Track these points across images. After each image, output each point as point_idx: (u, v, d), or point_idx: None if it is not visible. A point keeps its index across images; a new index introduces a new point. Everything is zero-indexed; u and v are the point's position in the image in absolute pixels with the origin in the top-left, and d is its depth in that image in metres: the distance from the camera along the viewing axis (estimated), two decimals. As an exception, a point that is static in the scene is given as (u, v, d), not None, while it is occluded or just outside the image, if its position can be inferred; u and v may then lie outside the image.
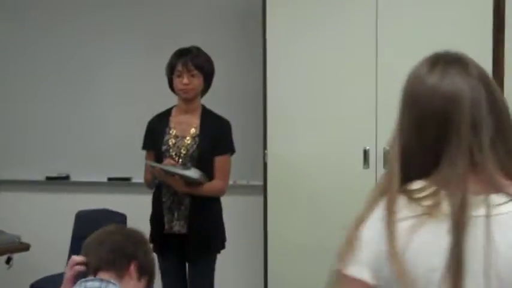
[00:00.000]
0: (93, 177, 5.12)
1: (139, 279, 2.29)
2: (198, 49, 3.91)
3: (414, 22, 4.22)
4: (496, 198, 1.46)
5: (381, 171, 4.28)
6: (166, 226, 3.82)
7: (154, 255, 3.59)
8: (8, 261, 4.25)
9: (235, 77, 4.69)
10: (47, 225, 4.98)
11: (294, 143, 4.37)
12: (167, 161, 3.77)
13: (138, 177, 5.03)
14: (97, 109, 5.14)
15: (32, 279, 4.47)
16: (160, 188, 3.89)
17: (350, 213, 4.32)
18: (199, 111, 3.91)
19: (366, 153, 4.30)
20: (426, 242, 1.45)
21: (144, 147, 4.01)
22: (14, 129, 5.25)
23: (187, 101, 3.89)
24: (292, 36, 4.40)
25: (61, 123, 5.18)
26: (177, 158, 3.81)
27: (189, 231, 3.80)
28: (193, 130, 3.86)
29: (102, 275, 2.24)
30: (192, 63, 3.81)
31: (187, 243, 3.81)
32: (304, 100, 4.40)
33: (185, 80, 3.81)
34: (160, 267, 3.84)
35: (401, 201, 1.49)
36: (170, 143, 3.85)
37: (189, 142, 3.83)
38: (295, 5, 4.40)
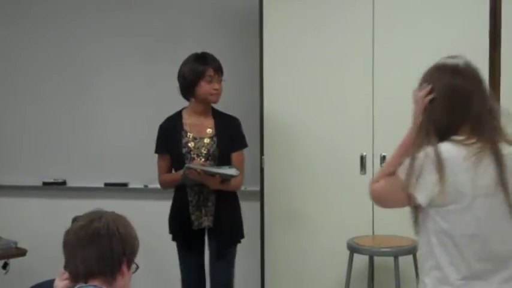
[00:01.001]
0: (90, 182, 5.11)
1: (127, 270, 2.29)
2: (210, 54, 4.08)
3: (411, 28, 4.23)
4: (503, 144, 2.39)
5: (378, 177, 4.28)
6: (195, 223, 4.03)
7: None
8: (5, 266, 4.24)
9: (231, 81, 4.68)
10: (44, 230, 4.97)
11: (291, 148, 4.38)
12: (197, 161, 3.97)
13: (135, 183, 5.05)
14: (94, 114, 5.13)
15: (29, 285, 4.45)
16: (183, 189, 4.04)
17: (346, 219, 4.35)
18: (210, 113, 4.09)
19: (362, 159, 4.30)
20: (484, 169, 2.33)
21: (158, 151, 4.13)
22: (11, 135, 5.25)
23: (207, 104, 4.06)
24: (289, 39, 4.41)
25: (58, 128, 5.18)
26: (198, 158, 3.99)
27: (215, 225, 4.02)
28: (209, 130, 4.04)
29: (93, 281, 2.22)
30: (220, 70, 4.03)
31: (213, 236, 4.05)
32: (301, 105, 4.40)
33: (217, 85, 4.01)
34: (182, 262, 4.16)
35: (458, 146, 2.36)
36: (190, 145, 4.01)
37: (208, 142, 4.02)
38: (292, 7, 4.41)
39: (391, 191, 2.46)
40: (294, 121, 4.40)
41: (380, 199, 2.58)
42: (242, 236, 4.18)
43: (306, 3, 4.40)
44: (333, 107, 4.37)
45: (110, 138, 5.10)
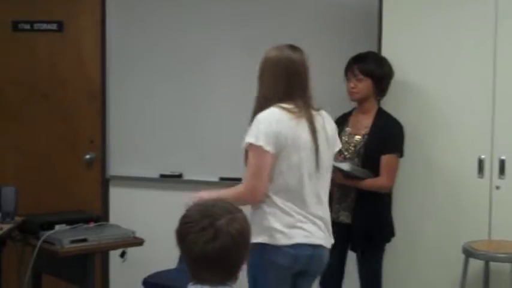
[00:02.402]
0: (205, 176, 5.19)
1: None
2: (368, 55, 4.20)
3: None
4: (313, 111, 3.29)
5: (496, 181, 4.19)
6: (333, 215, 4.07)
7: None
8: (123, 255, 4.36)
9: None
10: (160, 221, 5.06)
11: (408, 149, 4.27)
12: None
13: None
14: (211, 109, 5.21)
15: (145, 274, 4.57)
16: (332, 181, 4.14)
17: (462, 222, 4.23)
18: (373, 112, 4.18)
19: (480, 162, 4.21)
20: (302, 129, 3.22)
21: None
22: (132, 129, 5.38)
23: (359, 102, 4.19)
24: (408, 38, 4.35)
25: (176, 123, 5.28)
26: (346, 154, 4.12)
27: (353, 222, 4.10)
28: (365, 129, 4.14)
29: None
30: (358, 69, 4.12)
31: (351, 233, 4.12)
32: (419, 106, 4.34)
33: (351, 84, 4.15)
34: None
35: (285, 111, 3.21)
36: (343, 140, 4.10)
37: (358, 139, 4.14)
38: (413, 4, 4.35)
39: (261, 162, 3.18)
40: (410, 122, 4.32)
41: (257, 177, 3.20)
42: (384, 240, 4.19)
43: (426, 2, 4.33)
44: (451, 109, 4.29)
45: (226, 133, 5.16)
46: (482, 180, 4.21)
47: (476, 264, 4.10)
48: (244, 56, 5.05)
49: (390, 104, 4.29)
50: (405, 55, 4.33)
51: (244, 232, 2.21)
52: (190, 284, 2.22)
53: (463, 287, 4.00)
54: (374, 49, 4.46)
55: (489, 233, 4.20)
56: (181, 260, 4.48)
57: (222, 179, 5.18)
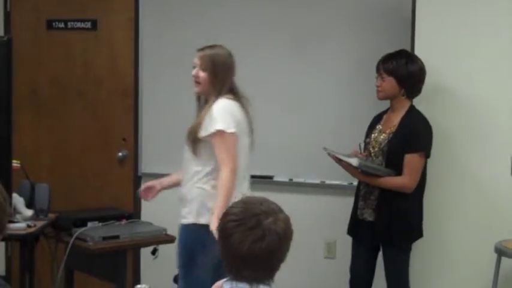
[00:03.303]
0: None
1: None
2: (398, 54, 4.12)
3: None
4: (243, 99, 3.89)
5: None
6: (358, 212, 4.17)
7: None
8: (154, 252, 4.39)
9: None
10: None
11: (439, 148, 4.24)
12: (355, 152, 4.17)
13: (280, 176, 5.09)
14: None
15: (176, 271, 4.59)
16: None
17: (495, 221, 4.18)
18: (403, 111, 4.12)
19: (515, 160, 4.18)
20: (245, 116, 3.85)
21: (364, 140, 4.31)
22: (164, 126, 5.39)
23: (390, 100, 4.15)
24: (442, 39, 4.32)
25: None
26: (372, 151, 4.12)
27: (375, 220, 4.08)
28: (392, 127, 4.09)
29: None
30: (382, 68, 4.10)
31: (374, 231, 4.10)
32: (451, 105, 4.31)
33: (377, 83, 4.13)
34: (352, 250, 4.28)
35: (234, 101, 3.78)
36: (372, 137, 4.15)
37: (383, 137, 4.10)
38: (447, 5, 4.31)
39: (234, 146, 3.70)
40: (443, 122, 4.28)
41: (235, 159, 3.69)
42: (407, 240, 4.14)
43: (460, 5, 4.29)
44: (483, 108, 4.26)
45: (256, 131, 5.15)
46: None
47: (508, 263, 4.06)
48: (274, 58, 5.04)
49: (421, 104, 4.25)
50: (438, 55, 4.29)
51: (288, 232, 2.20)
52: (226, 279, 2.22)
53: (496, 285, 3.96)
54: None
55: (523, 232, 4.17)
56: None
57: (252, 176, 5.15)
